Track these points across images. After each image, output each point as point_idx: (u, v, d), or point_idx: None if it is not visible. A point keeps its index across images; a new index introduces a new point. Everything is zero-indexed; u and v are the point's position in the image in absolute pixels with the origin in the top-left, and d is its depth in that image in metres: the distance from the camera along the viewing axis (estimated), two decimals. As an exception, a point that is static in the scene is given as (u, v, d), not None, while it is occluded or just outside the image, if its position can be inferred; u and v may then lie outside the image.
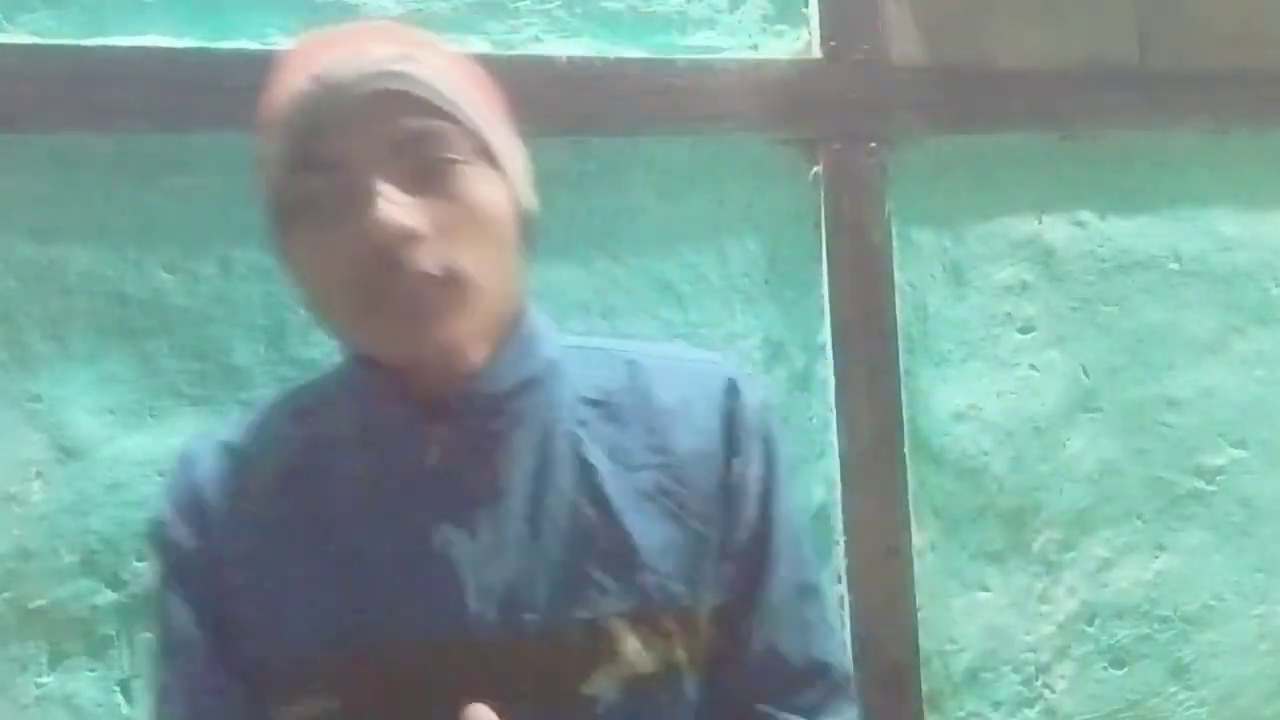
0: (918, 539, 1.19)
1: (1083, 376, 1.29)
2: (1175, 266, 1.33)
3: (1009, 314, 1.26)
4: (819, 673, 0.81)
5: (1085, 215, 1.29)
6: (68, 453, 0.99)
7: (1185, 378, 1.32)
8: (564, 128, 1.07)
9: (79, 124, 0.97)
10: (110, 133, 0.99)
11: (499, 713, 0.66)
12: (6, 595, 0.97)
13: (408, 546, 0.73)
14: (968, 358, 1.24)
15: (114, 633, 0.99)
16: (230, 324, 1.03)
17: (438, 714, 0.67)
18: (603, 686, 0.73)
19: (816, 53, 1.18)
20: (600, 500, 0.75)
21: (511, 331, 0.76)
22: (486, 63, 1.05)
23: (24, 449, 0.98)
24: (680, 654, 0.75)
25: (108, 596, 0.99)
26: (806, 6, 1.19)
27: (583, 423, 0.77)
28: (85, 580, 0.99)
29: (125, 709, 0.99)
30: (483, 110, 0.73)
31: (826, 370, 1.17)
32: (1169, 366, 1.32)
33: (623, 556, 0.74)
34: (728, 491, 0.78)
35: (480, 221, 0.70)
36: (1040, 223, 1.28)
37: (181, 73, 0.99)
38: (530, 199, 0.77)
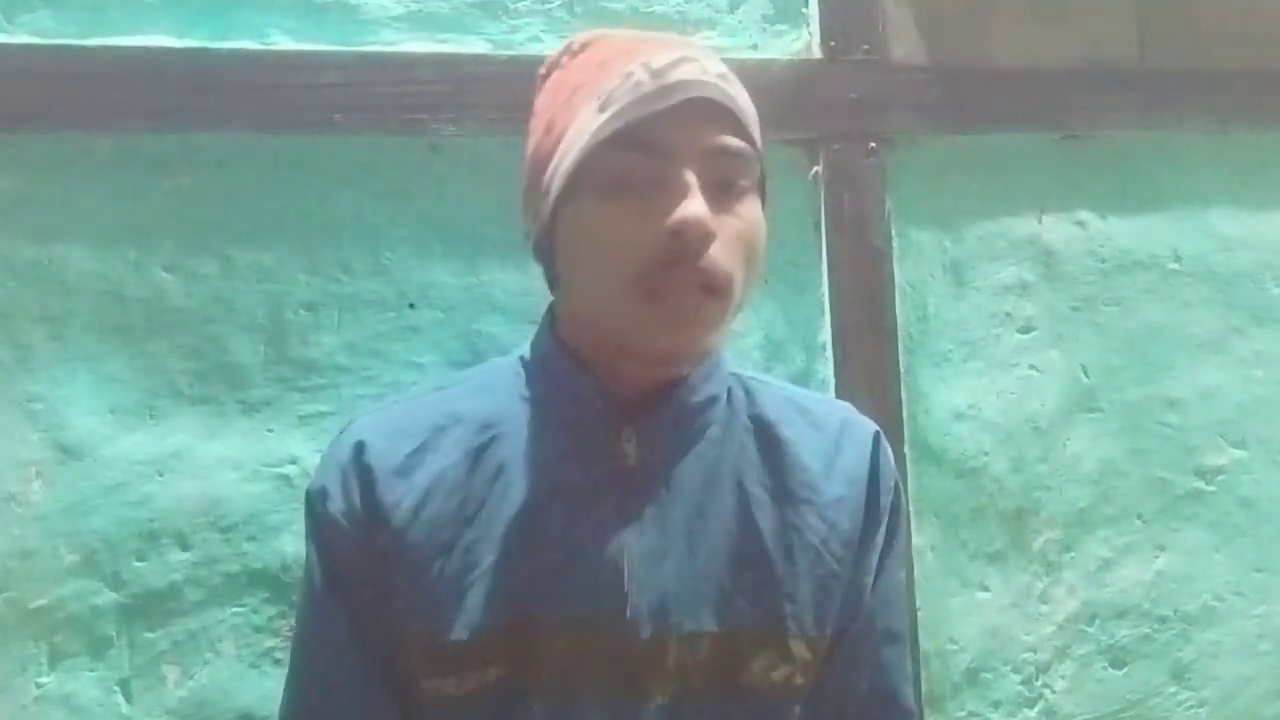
0: (918, 539, 1.19)
1: (1083, 376, 1.29)
2: (1175, 266, 1.33)
3: (1009, 314, 1.26)
4: (887, 711, 0.85)
5: (1085, 215, 1.29)
6: (68, 453, 0.99)
7: (1185, 378, 1.32)
8: (564, 128, 1.07)
9: (79, 124, 0.97)
10: (110, 133, 0.99)
11: (636, 703, 0.75)
12: (6, 595, 0.97)
13: (582, 536, 0.77)
14: (968, 358, 1.24)
15: (114, 633, 0.99)
16: (230, 324, 1.03)
17: (585, 695, 0.75)
18: (728, 696, 0.78)
19: (816, 53, 1.18)
20: (752, 526, 0.80)
21: (711, 352, 0.81)
22: (486, 63, 1.06)
23: (24, 449, 0.98)
24: (799, 680, 0.79)
25: (108, 596, 0.99)
26: (806, 6, 1.19)
27: (744, 448, 0.82)
28: (85, 580, 0.99)
29: (125, 709, 0.99)
30: (762, 144, 0.79)
31: (826, 370, 1.17)
32: (1169, 366, 1.32)
33: (765, 581, 0.79)
34: (863, 542, 0.83)
35: (749, 242, 0.75)
36: (1040, 223, 1.28)
37: (181, 73, 0.99)
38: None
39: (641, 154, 0.71)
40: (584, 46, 0.78)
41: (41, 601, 0.98)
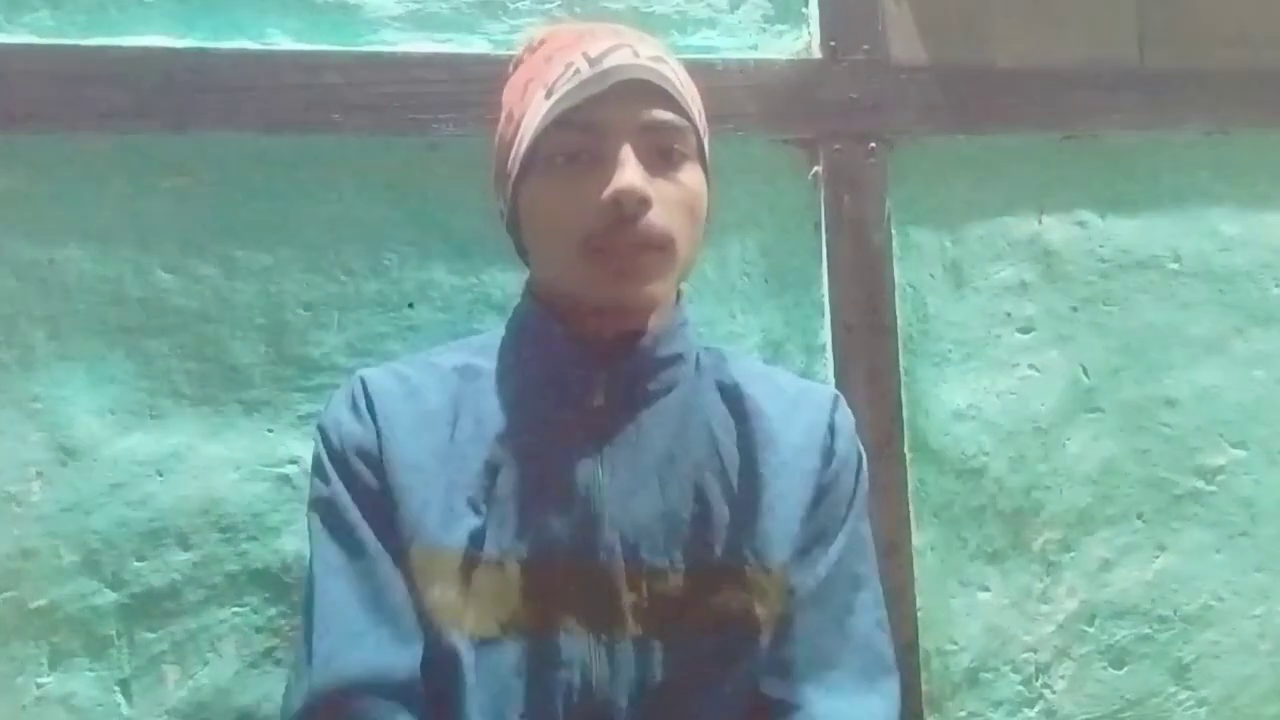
0: (918, 539, 1.19)
1: (1083, 376, 1.29)
2: (1175, 266, 1.33)
3: (1009, 314, 1.26)
4: (860, 653, 0.89)
5: (1085, 215, 1.29)
6: (68, 453, 0.99)
7: (1185, 378, 1.32)
8: (564, 128, 1.07)
9: (79, 124, 0.97)
10: (110, 133, 0.99)
11: (612, 634, 0.81)
12: (6, 595, 0.97)
13: (559, 474, 0.84)
14: (968, 358, 1.24)
15: (114, 633, 0.99)
16: (230, 324, 1.03)
17: (563, 626, 0.81)
18: (697, 627, 0.84)
19: (816, 53, 1.18)
20: (718, 470, 0.87)
21: (671, 312, 0.89)
22: (486, 63, 1.06)
23: (24, 449, 0.98)
24: (759, 610, 0.85)
25: (108, 596, 0.99)
26: (806, 6, 1.19)
27: (713, 403, 0.90)
28: (85, 580, 0.99)
29: (125, 709, 0.99)
30: (702, 120, 0.88)
31: (826, 370, 1.17)
32: (1169, 366, 1.32)
33: (729, 518, 0.86)
34: (821, 482, 0.89)
35: (690, 207, 0.84)
36: (1040, 223, 1.28)
37: (181, 73, 0.99)
38: (712, 200, 0.89)
39: (582, 133, 0.81)
40: (540, 43, 0.88)
41: (41, 601, 0.98)
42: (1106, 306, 1.30)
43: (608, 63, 0.80)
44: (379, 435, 0.84)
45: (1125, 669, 1.29)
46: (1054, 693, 1.26)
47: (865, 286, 1.17)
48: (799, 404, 0.92)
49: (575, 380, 0.86)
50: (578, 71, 0.80)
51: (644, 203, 0.79)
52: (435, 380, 0.88)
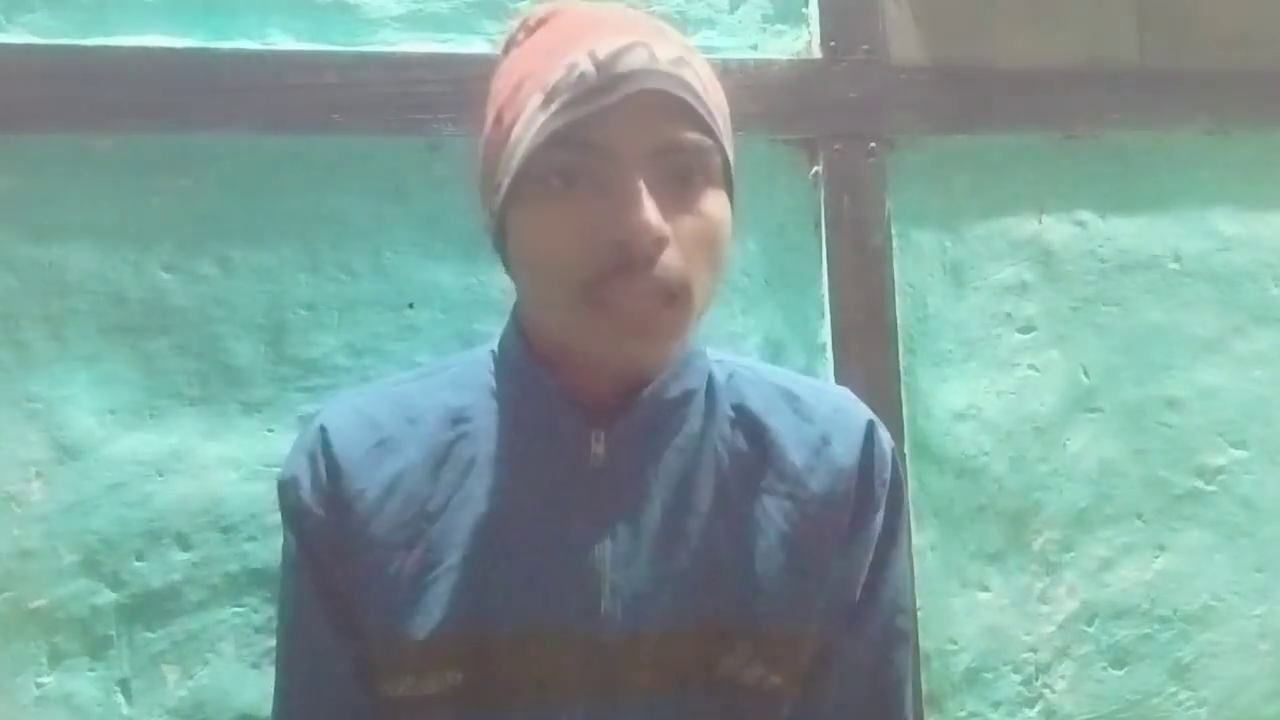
0: (918, 539, 1.19)
1: (1083, 376, 1.29)
2: (1175, 266, 1.33)
3: (1009, 314, 1.26)
4: (888, 712, 0.83)
5: (1085, 215, 1.29)
6: (68, 453, 0.99)
7: (1185, 378, 1.32)
8: (564, 128, 1.07)
9: (79, 124, 0.97)
10: (110, 133, 0.99)
11: (608, 707, 0.73)
12: (6, 595, 0.97)
13: (556, 540, 0.75)
14: (968, 358, 1.24)
15: (114, 633, 0.99)
16: (230, 324, 1.03)
17: (558, 699, 0.73)
18: (703, 695, 0.76)
19: (816, 53, 1.18)
20: (730, 520, 0.77)
21: (682, 346, 0.76)
22: (486, 63, 1.06)
23: (24, 449, 0.98)
24: (775, 680, 0.77)
25: (108, 596, 0.99)
26: (806, 6, 1.19)
27: (725, 440, 0.79)
28: (85, 580, 0.99)
29: (125, 709, 0.99)
30: (728, 130, 0.74)
31: (826, 370, 1.17)
32: (1169, 366, 1.32)
33: (742, 579, 0.76)
34: (851, 535, 0.79)
35: (711, 240, 0.70)
36: (1040, 223, 1.28)
37: (181, 73, 0.99)
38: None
39: (586, 154, 0.67)
40: (539, 24, 0.73)
41: (41, 601, 0.98)
42: (1106, 306, 1.30)
43: (619, 67, 0.65)
44: (340, 515, 0.76)
45: (1125, 669, 1.29)
46: (1054, 693, 1.26)
47: (865, 286, 1.17)
48: (828, 438, 0.80)
49: (570, 437, 0.75)
50: (582, 75, 0.65)
51: (660, 243, 0.66)
52: (411, 428, 0.78)
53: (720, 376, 0.81)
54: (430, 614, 0.74)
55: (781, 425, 0.80)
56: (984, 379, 1.25)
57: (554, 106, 0.66)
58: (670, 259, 0.67)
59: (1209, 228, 1.34)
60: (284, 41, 1.04)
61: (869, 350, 1.17)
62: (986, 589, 1.24)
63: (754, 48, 1.18)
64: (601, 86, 0.65)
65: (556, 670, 0.74)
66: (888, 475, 0.82)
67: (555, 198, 0.68)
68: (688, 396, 0.78)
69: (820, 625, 0.79)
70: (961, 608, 1.23)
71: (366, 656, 0.77)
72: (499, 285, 1.08)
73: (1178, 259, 1.33)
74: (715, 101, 0.72)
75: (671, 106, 0.67)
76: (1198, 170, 1.33)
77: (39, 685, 0.98)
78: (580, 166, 0.67)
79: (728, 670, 0.76)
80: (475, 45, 1.09)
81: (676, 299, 0.68)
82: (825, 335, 1.17)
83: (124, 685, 0.99)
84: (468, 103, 1.03)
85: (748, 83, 1.13)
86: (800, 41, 1.19)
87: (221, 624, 1.02)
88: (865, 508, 0.80)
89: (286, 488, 0.79)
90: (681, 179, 0.69)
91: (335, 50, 1.04)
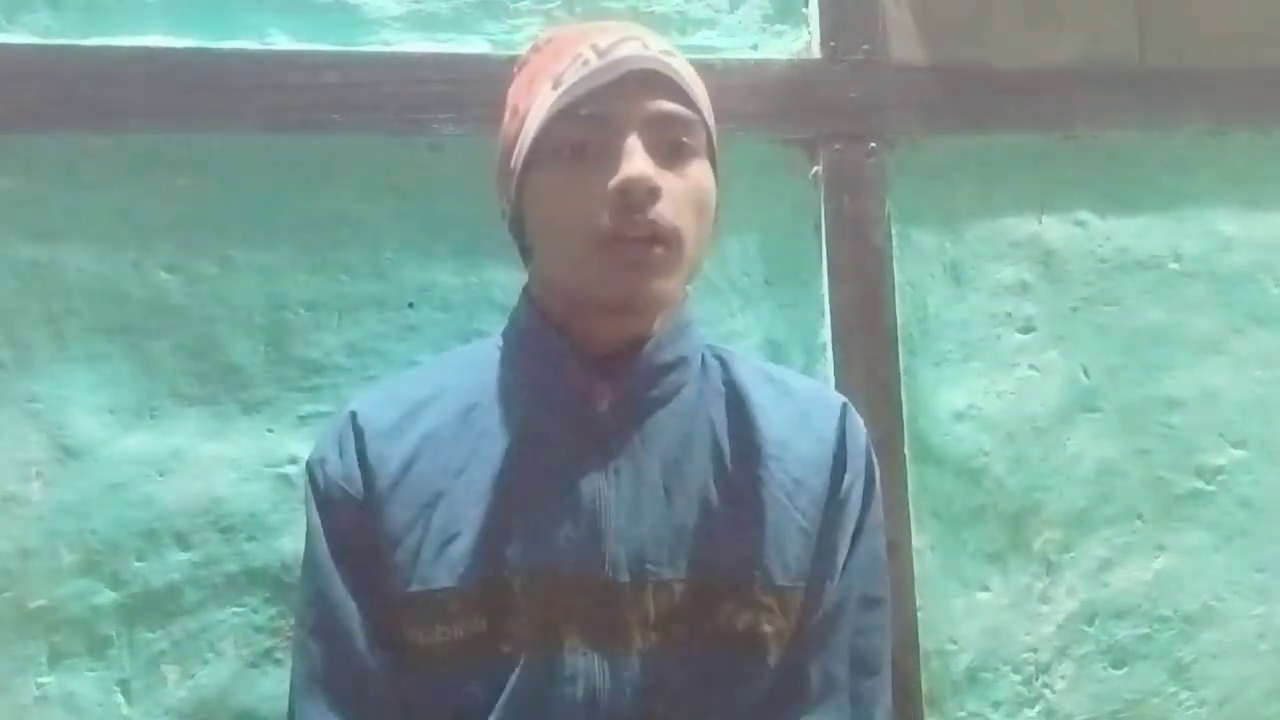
0: (918, 539, 1.19)
1: (1083, 376, 1.29)
2: (1175, 266, 1.33)
3: (1009, 314, 1.26)
4: (863, 672, 0.88)
5: (1085, 215, 1.29)
6: (68, 453, 0.99)
7: (1185, 378, 1.32)
8: (564, 128, 1.07)
9: (79, 124, 0.97)
10: (110, 133, 0.99)
11: (618, 649, 0.80)
12: (6, 595, 0.97)
13: (564, 488, 0.82)
14: (968, 358, 1.24)
15: (114, 633, 0.99)
16: (230, 324, 1.03)
17: (569, 641, 0.80)
18: (702, 642, 0.82)
19: (816, 53, 1.18)
20: (724, 480, 0.85)
21: (676, 314, 0.87)
22: (486, 63, 1.06)
23: (24, 449, 0.98)
24: (766, 627, 0.83)
25: (108, 596, 0.99)
26: (806, 6, 1.19)
27: (718, 409, 0.88)
28: (85, 580, 0.99)
29: (125, 709, 0.99)
30: (710, 114, 0.86)
31: (826, 370, 1.17)
32: (1169, 366, 1.32)
33: (734, 532, 0.84)
34: (832, 498, 0.87)
35: (697, 200, 0.82)
36: (1040, 223, 1.28)
37: (181, 73, 0.99)
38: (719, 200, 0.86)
39: (590, 124, 0.79)
40: (547, 42, 0.86)
41: (41, 601, 0.98)
42: (1106, 306, 1.30)
43: (617, 54, 0.78)
44: (367, 485, 0.83)
45: (1125, 669, 1.29)
46: (1054, 693, 1.26)
47: (865, 286, 1.17)
48: (808, 413, 0.89)
49: (578, 388, 0.84)
50: (586, 62, 0.78)
51: (653, 192, 0.77)
52: (434, 399, 0.87)
53: (709, 356, 0.91)
54: (456, 566, 0.81)
55: (766, 400, 0.89)
56: (984, 379, 1.25)
57: (562, 88, 0.79)
58: (663, 208, 0.78)
59: (1209, 228, 1.34)
60: (284, 41, 1.04)
61: (869, 350, 1.17)
62: (986, 589, 1.24)
63: (754, 48, 1.18)
64: (601, 69, 0.78)
65: (567, 612, 0.81)
66: (862, 447, 0.91)
67: (566, 165, 0.80)
68: (682, 362, 0.87)
69: (809, 583, 0.85)
70: (961, 608, 1.23)
71: (392, 613, 0.82)
72: (499, 285, 1.08)
73: (1178, 259, 1.33)
74: (699, 90, 0.84)
75: (661, 85, 0.80)
76: (1198, 170, 1.33)
77: (39, 685, 0.98)
78: (586, 137, 0.79)
79: (723, 618, 0.82)
80: (475, 45, 1.09)
81: (668, 241, 0.79)
82: (825, 335, 1.17)
83: (124, 685, 0.99)
84: (468, 103, 1.03)
85: (748, 83, 1.13)
86: (800, 41, 1.19)
87: (221, 624, 1.02)
88: (843, 475, 0.88)
89: (314, 466, 0.86)
90: (672, 146, 0.80)
91: (335, 50, 1.04)
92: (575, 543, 0.81)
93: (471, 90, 1.03)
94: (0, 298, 0.98)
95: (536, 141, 0.80)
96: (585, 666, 0.80)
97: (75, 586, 0.98)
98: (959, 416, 1.23)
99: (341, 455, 0.85)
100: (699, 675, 0.82)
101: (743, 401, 0.88)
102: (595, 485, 0.82)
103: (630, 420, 0.84)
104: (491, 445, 0.84)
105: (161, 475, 1.01)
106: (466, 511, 0.82)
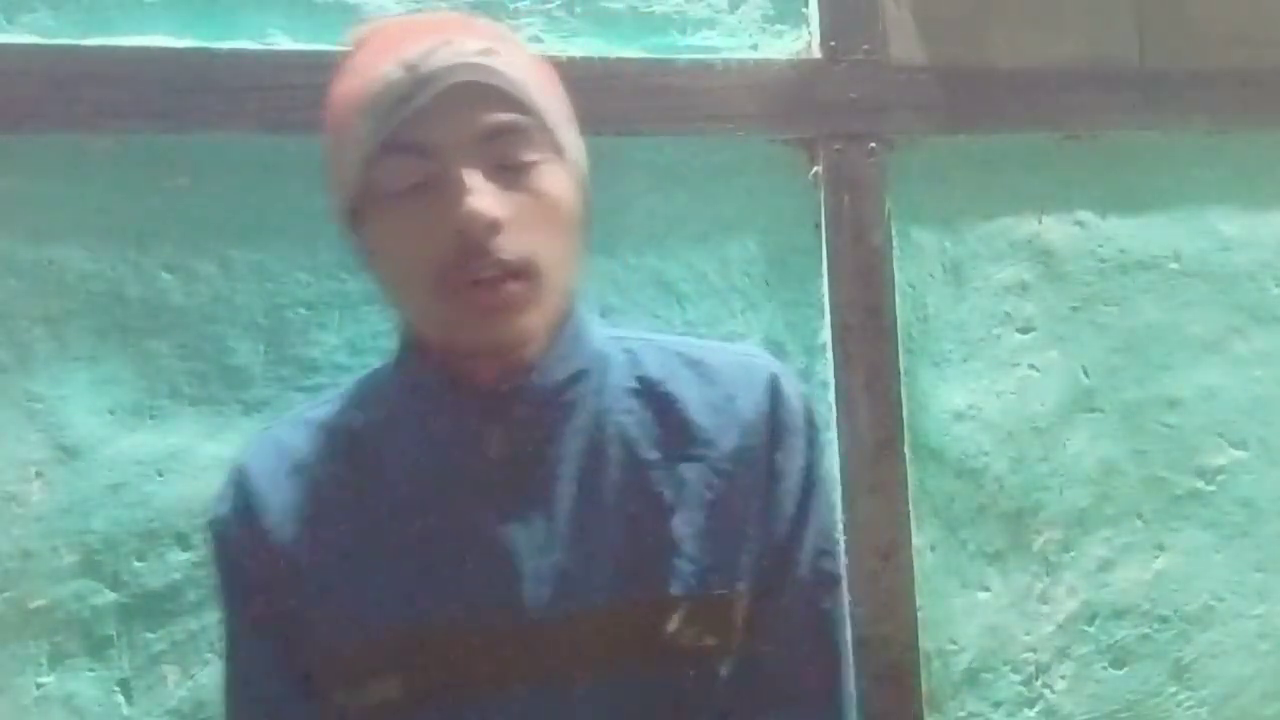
0: (918, 539, 1.19)
1: (1083, 376, 1.29)
2: (1175, 266, 1.33)
3: (1009, 314, 1.26)
4: (824, 657, 0.84)
5: (1085, 215, 1.29)
6: (68, 453, 0.99)
7: (1185, 378, 1.32)
8: (564, 128, 1.07)
9: (79, 124, 0.97)
10: (110, 133, 0.99)
11: (550, 692, 0.74)
12: (6, 595, 0.97)
13: (468, 534, 0.76)
14: (968, 358, 1.24)
15: (114, 633, 0.99)
16: (230, 324, 1.03)
17: (494, 696, 0.75)
18: (646, 666, 0.77)
19: (816, 53, 1.18)
20: (645, 490, 0.78)
21: (563, 324, 0.78)
22: (486, 63, 1.05)
23: (24, 449, 0.98)
24: (710, 640, 0.78)
25: (108, 596, 0.99)
26: (806, 6, 1.19)
27: (629, 413, 0.80)
28: (85, 580, 0.99)
29: (125, 709, 0.99)
30: (557, 106, 0.77)
31: (826, 370, 1.17)
32: (1169, 366, 1.32)
33: (664, 545, 0.77)
34: (769, 486, 0.80)
35: (553, 217, 0.74)
36: (1040, 223, 1.28)
37: (181, 73, 0.99)
38: (589, 195, 0.79)
39: (413, 156, 0.70)
40: (359, 46, 0.76)
41: (41, 601, 0.98)
42: (1106, 306, 1.30)
43: (428, 66, 0.69)
44: (264, 536, 0.78)
45: (1125, 669, 1.29)
46: (1054, 693, 1.26)
47: (865, 286, 1.17)
48: (732, 396, 0.81)
49: (468, 434, 0.77)
50: (395, 84, 0.69)
51: (493, 227, 0.69)
52: (325, 451, 0.80)
53: (616, 352, 0.82)
54: (361, 623, 0.76)
55: (685, 391, 0.81)
56: (984, 379, 1.25)
57: (373, 121, 0.70)
58: (508, 240, 0.70)
59: (1209, 228, 1.34)
60: (284, 41, 1.04)
61: (869, 350, 1.17)
62: (986, 589, 1.24)
63: (754, 48, 1.18)
64: (412, 90, 0.69)
65: (495, 664, 0.75)
66: (798, 422, 0.82)
67: (397, 206, 0.71)
68: (578, 377, 0.79)
69: (750, 582, 0.80)
70: (961, 608, 1.23)
71: (314, 676, 0.78)
72: (499, 285, 1.08)
73: (1178, 259, 1.33)
74: (534, 80, 0.74)
75: (483, 94, 0.70)
76: (1198, 170, 1.33)
77: (39, 685, 0.98)
78: (411, 168, 0.70)
79: (664, 638, 0.77)
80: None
81: (523, 275, 0.71)
82: (825, 335, 1.17)
83: (124, 685, 0.99)
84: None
85: (748, 83, 1.13)
86: (800, 41, 1.19)
87: (221, 624, 1.02)
88: (778, 458, 0.81)
89: (212, 528, 0.81)
90: (511, 161, 0.72)
91: (335, 50, 1.04)
92: (492, 590, 0.75)
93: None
94: (0, 298, 0.98)
95: (360, 182, 0.72)
96: (524, 715, 0.75)
97: (75, 586, 0.98)
98: (959, 416, 1.23)
99: (237, 519, 0.79)
100: (649, 702, 0.77)
101: (659, 397, 0.81)
102: (503, 527, 0.76)
103: (527, 453, 0.77)
104: (388, 493, 0.78)
105: (161, 475, 1.01)
106: (370, 572, 0.76)
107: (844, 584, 0.86)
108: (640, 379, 0.81)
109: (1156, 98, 1.29)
